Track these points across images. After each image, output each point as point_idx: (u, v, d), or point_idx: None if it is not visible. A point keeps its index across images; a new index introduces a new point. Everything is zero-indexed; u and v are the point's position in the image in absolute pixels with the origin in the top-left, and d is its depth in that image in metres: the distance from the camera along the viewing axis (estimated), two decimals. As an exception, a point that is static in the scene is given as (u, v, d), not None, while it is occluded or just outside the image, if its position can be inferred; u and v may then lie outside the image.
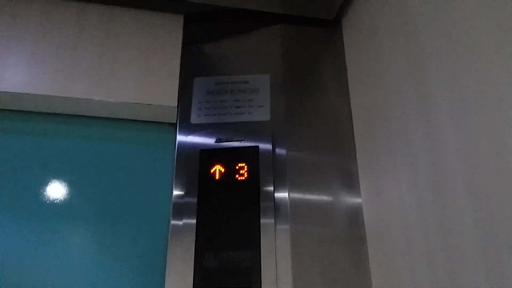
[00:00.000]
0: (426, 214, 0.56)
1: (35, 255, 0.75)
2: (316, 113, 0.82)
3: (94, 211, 0.80)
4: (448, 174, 0.52)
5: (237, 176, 0.76)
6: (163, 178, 0.83)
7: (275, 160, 0.77)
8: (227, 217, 0.73)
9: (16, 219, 0.77)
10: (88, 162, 0.83)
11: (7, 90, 0.78)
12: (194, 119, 0.83)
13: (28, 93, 0.79)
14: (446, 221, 0.52)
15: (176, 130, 0.82)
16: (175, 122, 0.84)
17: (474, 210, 0.47)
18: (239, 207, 0.74)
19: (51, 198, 0.80)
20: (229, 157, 0.78)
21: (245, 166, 0.77)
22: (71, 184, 0.82)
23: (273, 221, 0.72)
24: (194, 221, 0.73)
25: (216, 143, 0.79)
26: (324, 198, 0.75)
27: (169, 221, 0.74)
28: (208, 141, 0.80)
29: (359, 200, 0.75)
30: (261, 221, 0.72)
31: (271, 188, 0.74)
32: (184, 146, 0.80)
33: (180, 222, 0.73)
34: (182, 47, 0.88)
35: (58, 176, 0.82)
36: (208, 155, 0.78)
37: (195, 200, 0.75)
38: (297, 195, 0.75)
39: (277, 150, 0.78)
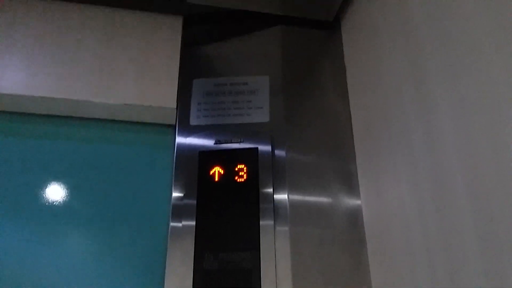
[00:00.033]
0: (426, 214, 0.56)
1: (35, 257, 0.75)
2: (315, 114, 0.82)
3: (94, 213, 0.80)
4: (448, 174, 0.52)
5: (236, 177, 0.76)
6: (163, 180, 0.83)
7: (275, 162, 0.77)
8: (226, 219, 0.73)
9: (16, 221, 0.77)
10: (87, 163, 0.83)
11: (6, 92, 0.78)
12: (193, 120, 0.83)
13: (27, 95, 0.79)
14: (446, 221, 0.52)
15: (175, 132, 0.82)
16: (174, 123, 0.84)
17: (474, 210, 0.47)
18: (239, 209, 0.74)
19: (50, 200, 0.79)
20: (228, 158, 0.78)
21: (244, 168, 0.76)
22: (71, 186, 0.81)
23: (272, 222, 0.72)
24: (193, 222, 0.73)
25: (215, 145, 0.79)
26: (324, 199, 0.75)
27: (168, 223, 0.74)
28: (207, 142, 0.80)
29: (358, 201, 0.75)
30: (261, 222, 0.72)
31: (271, 190, 0.74)
32: (183, 148, 0.80)
33: (180, 224, 0.73)
34: (181, 49, 0.88)
35: (57, 178, 0.81)
36: (207, 157, 0.78)
37: (195, 202, 0.75)
38: (296, 197, 0.75)
39: (277, 152, 0.78)
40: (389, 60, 0.69)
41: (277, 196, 0.74)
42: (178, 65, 0.86)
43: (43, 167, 0.82)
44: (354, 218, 0.74)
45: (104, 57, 0.84)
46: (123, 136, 0.87)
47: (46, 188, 0.80)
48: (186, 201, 0.75)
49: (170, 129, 0.86)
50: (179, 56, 0.87)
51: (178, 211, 0.75)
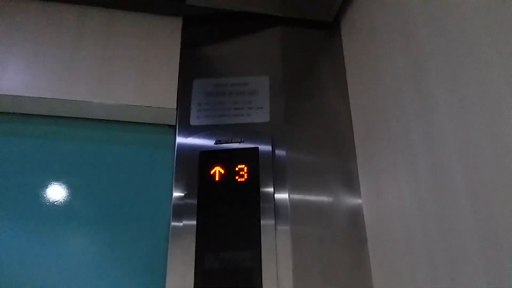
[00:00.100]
0: (426, 214, 0.56)
1: (36, 257, 0.75)
2: (315, 114, 0.82)
3: (95, 213, 0.80)
4: (448, 174, 0.52)
5: (237, 177, 0.76)
6: (163, 180, 0.83)
7: (275, 161, 0.77)
8: (227, 218, 0.73)
9: (16, 221, 0.77)
10: (88, 164, 0.83)
11: (7, 93, 0.78)
12: (194, 121, 0.83)
13: (28, 96, 0.79)
14: (446, 221, 0.52)
15: (175, 132, 0.82)
16: (175, 124, 0.84)
17: (474, 210, 0.47)
18: (239, 209, 0.74)
19: (51, 200, 0.80)
20: (229, 158, 0.78)
21: (245, 168, 0.77)
22: (72, 186, 0.81)
23: (273, 222, 0.72)
24: (194, 222, 0.73)
25: (215, 145, 0.80)
26: (324, 198, 0.75)
27: (169, 223, 0.74)
28: (208, 142, 0.80)
29: (359, 200, 0.75)
30: (262, 222, 0.72)
31: (271, 189, 0.74)
32: (183, 148, 0.80)
33: (181, 224, 0.73)
34: (181, 49, 0.88)
35: (58, 178, 0.82)
36: (207, 157, 0.78)
37: (195, 201, 0.75)
38: (297, 196, 0.75)
39: (277, 151, 0.78)
40: (389, 60, 0.69)
41: (277, 196, 0.74)
42: (178, 66, 0.86)
43: (43, 167, 0.82)
44: (355, 217, 0.74)
45: (104, 58, 0.84)
46: (123, 136, 0.87)
47: (46, 188, 0.80)
48: (187, 201, 0.75)
49: (170, 129, 0.86)
50: (179, 57, 0.87)
51: (179, 211, 0.75)
